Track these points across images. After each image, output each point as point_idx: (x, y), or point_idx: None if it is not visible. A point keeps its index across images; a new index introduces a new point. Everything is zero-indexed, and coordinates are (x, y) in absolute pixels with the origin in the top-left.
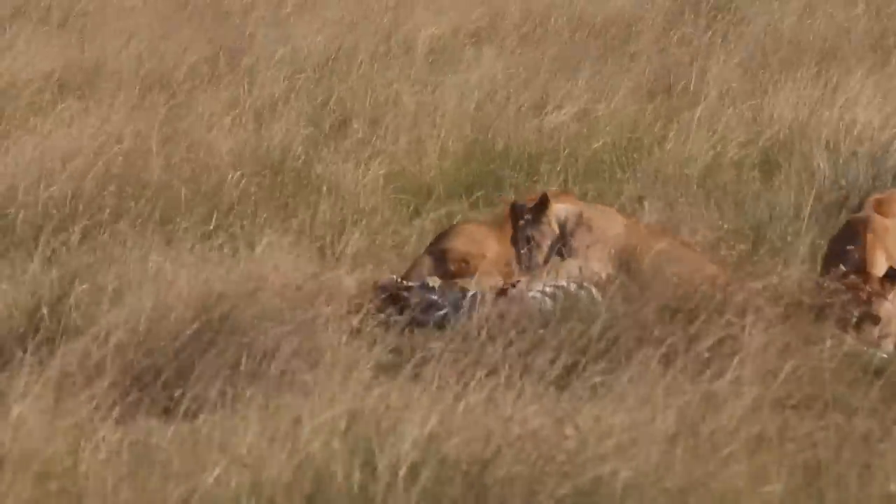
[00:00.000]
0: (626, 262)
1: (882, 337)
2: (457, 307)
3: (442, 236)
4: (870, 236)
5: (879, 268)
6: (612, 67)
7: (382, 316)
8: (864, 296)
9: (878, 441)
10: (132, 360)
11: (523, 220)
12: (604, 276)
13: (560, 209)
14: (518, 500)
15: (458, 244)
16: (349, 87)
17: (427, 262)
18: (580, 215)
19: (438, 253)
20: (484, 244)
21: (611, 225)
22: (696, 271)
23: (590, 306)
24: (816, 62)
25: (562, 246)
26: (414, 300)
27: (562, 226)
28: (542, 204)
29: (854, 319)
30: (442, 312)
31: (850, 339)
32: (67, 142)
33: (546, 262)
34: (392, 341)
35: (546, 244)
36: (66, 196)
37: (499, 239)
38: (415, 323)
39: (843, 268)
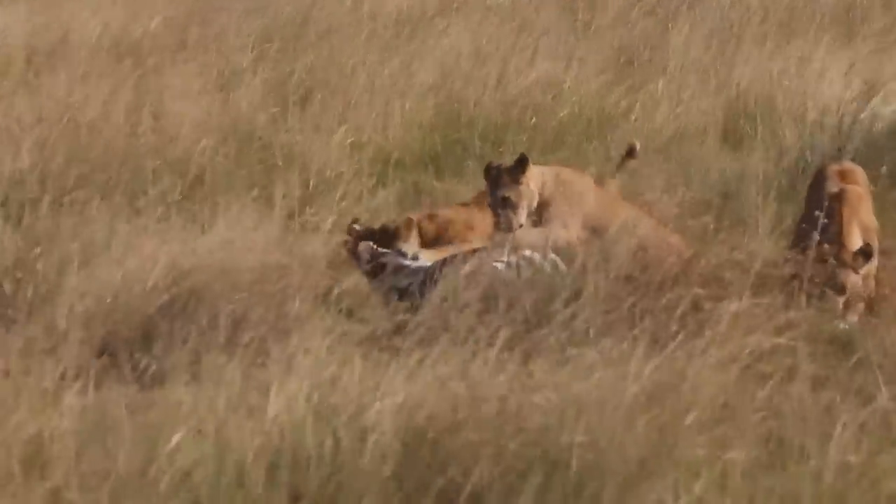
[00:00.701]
0: (595, 230)
1: (846, 308)
2: (425, 276)
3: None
4: (846, 210)
5: (854, 241)
6: (578, 38)
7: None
8: (832, 267)
9: (840, 412)
10: (99, 328)
11: (501, 185)
12: (578, 240)
13: (538, 170)
14: (483, 468)
15: (446, 212)
16: (316, 58)
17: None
18: (557, 177)
19: (424, 218)
20: (471, 215)
21: (585, 189)
22: (659, 241)
23: (554, 276)
24: (783, 33)
25: (539, 208)
26: (389, 267)
27: (540, 187)
28: (521, 164)
29: (820, 289)
30: (410, 281)
31: (814, 309)
32: (33, 110)
33: (522, 224)
34: (360, 312)
35: (523, 206)
36: (32, 165)
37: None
38: (387, 291)
39: (816, 237)
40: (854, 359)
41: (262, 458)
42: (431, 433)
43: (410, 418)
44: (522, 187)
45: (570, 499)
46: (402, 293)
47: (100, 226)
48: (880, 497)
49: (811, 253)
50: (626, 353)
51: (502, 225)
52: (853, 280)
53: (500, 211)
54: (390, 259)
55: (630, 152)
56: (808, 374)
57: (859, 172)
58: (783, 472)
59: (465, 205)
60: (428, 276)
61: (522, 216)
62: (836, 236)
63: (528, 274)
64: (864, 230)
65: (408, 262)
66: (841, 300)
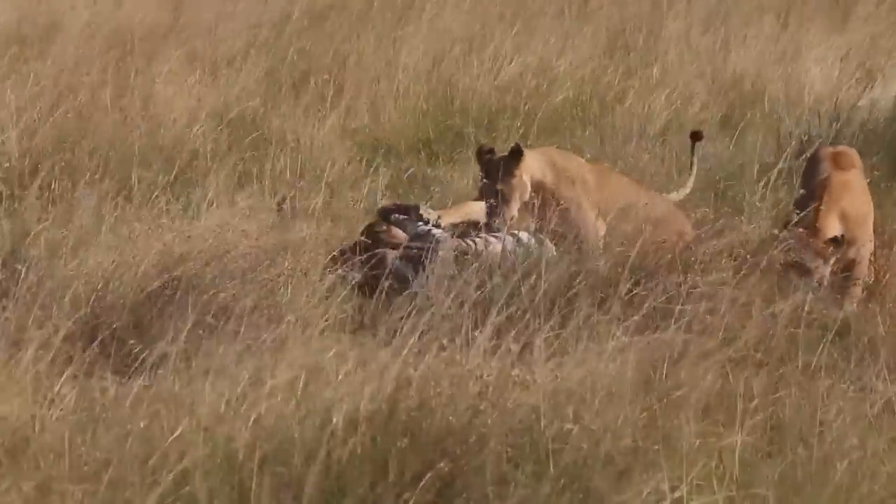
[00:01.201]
0: (598, 209)
1: (843, 295)
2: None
3: None
4: (826, 197)
5: (829, 230)
6: (571, 22)
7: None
8: (802, 252)
9: (837, 399)
10: (90, 316)
11: (494, 175)
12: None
13: (531, 158)
14: (473, 456)
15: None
16: (308, 43)
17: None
18: (553, 163)
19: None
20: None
21: (583, 170)
22: (666, 214)
23: (547, 260)
24: (778, 18)
25: (541, 193)
26: (409, 229)
27: (539, 174)
28: (515, 156)
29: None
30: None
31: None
32: (22, 97)
33: (514, 216)
34: (352, 298)
35: (516, 198)
36: (22, 152)
37: None
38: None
39: (795, 219)
40: (851, 346)
41: (254, 447)
42: (421, 420)
43: (399, 405)
44: (516, 180)
45: (562, 487)
46: (412, 260)
47: (90, 212)
48: (878, 484)
49: (786, 236)
50: (621, 340)
51: (495, 216)
52: (822, 268)
53: (492, 202)
54: (410, 225)
55: (696, 135)
56: (804, 360)
57: (853, 156)
58: (780, 459)
59: None
60: (432, 250)
61: (514, 209)
62: (811, 223)
63: (518, 254)
64: (846, 218)
65: (428, 228)
66: (802, 283)
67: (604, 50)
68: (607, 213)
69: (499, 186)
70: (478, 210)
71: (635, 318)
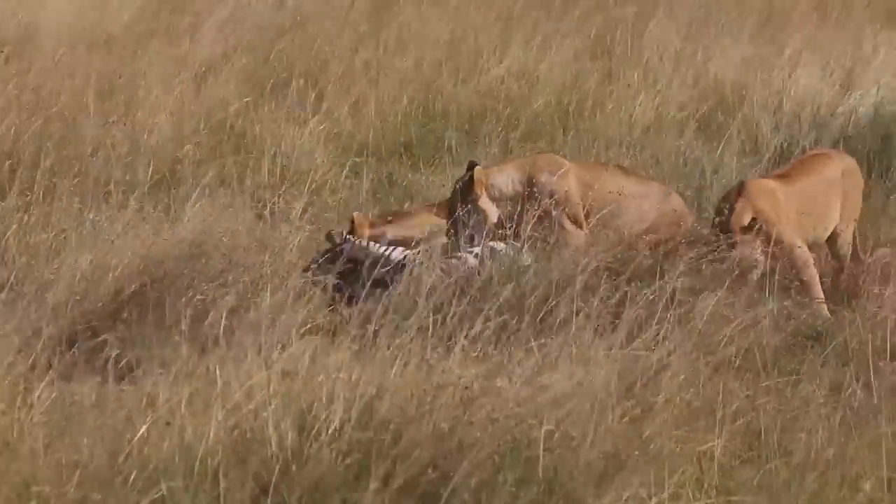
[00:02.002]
0: (589, 209)
1: (816, 301)
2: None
3: None
4: (741, 201)
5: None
6: (553, 27)
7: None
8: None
9: (818, 405)
10: (69, 319)
11: (456, 200)
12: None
13: (505, 174)
14: (451, 461)
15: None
16: (290, 46)
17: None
18: (536, 176)
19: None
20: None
21: (568, 176)
22: (663, 205)
23: (523, 267)
24: (760, 23)
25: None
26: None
27: (517, 186)
28: (469, 182)
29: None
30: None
31: (791, 302)
32: (4, 99)
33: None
34: (329, 302)
35: (478, 224)
36: (2, 154)
37: None
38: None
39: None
40: (828, 351)
41: (230, 449)
42: (399, 423)
43: (377, 408)
44: (475, 203)
45: (543, 492)
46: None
47: (70, 214)
48: (856, 489)
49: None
50: (601, 345)
51: (463, 237)
52: (744, 252)
53: (452, 226)
54: (371, 250)
55: None
56: (783, 367)
57: (818, 160)
58: (759, 465)
59: (429, 206)
60: (399, 267)
61: (477, 229)
62: (727, 221)
63: (492, 263)
64: (763, 217)
65: (385, 251)
66: (747, 272)
67: (586, 53)
68: (597, 209)
69: (471, 219)
70: (427, 221)
71: (616, 323)
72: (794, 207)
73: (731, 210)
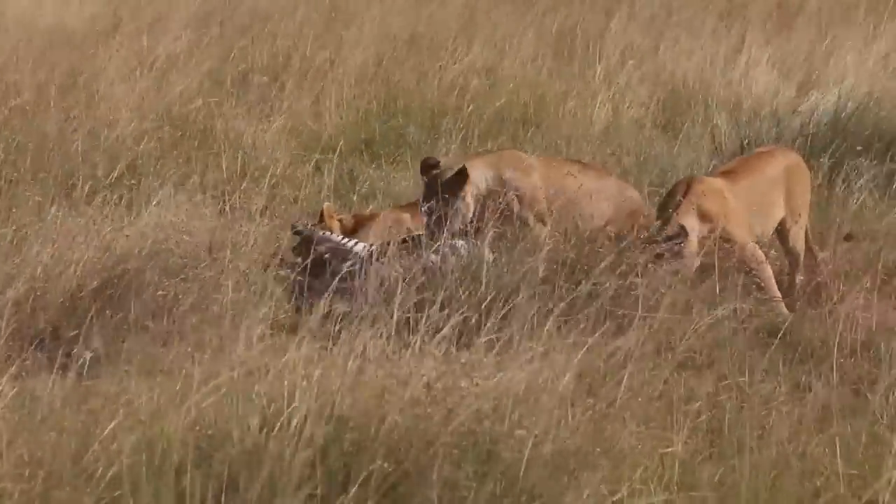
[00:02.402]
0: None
1: (775, 298)
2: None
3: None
4: (687, 200)
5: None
6: (514, 25)
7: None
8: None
9: (778, 403)
10: (30, 315)
11: (437, 195)
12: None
13: (479, 172)
14: (412, 459)
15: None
16: (251, 43)
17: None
18: (501, 173)
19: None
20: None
21: (533, 174)
22: (620, 197)
23: (483, 264)
24: (720, 21)
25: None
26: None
27: (484, 195)
28: (460, 178)
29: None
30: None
31: (752, 299)
32: None
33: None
34: (289, 298)
35: (457, 220)
36: None
37: None
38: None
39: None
40: (791, 349)
41: (193, 446)
42: (359, 419)
43: (339, 405)
44: (460, 201)
45: (505, 490)
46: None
47: (31, 209)
48: (816, 487)
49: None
50: (562, 342)
51: (436, 233)
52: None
53: (430, 223)
54: (336, 241)
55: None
56: (745, 364)
57: (762, 160)
58: (720, 462)
59: (400, 207)
60: (363, 263)
61: (456, 227)
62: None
63: (454, 261)
64: (707, 216)
65: (346, 243)
66: (676, 264)
67: (548, 50)
68: (558, 205)
69: (443, 209)
70: (395, 220)
71: (576, 317)
72: (742, 205)
73: (677, 207)
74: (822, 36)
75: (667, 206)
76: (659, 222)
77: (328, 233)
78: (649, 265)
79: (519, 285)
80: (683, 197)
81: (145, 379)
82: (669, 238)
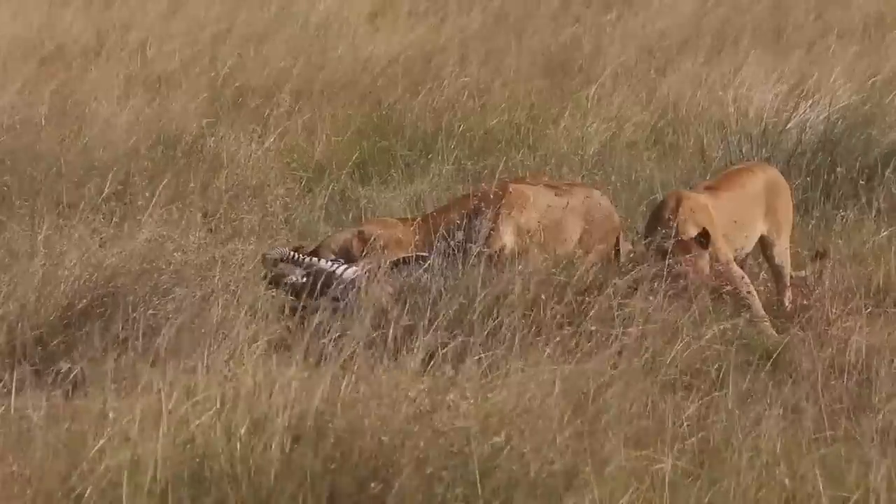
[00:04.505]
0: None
1: (760, 318)
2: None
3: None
4: (680, 211)
5: (689, 233)
6: (507, 45)
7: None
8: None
9: (769, 425)
10: (19, 332)
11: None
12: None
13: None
14: (404, 477)
15: (370, 227)
16: (242, 63)
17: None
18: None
19: (350, 233)
20: (396, 230)
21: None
22: (595, 207)
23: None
24: (713, 43)
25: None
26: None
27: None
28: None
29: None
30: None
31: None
32: None
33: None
34: (280, 318)
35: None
36: None
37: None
38: (307, 297)
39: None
40: (781, 369)
41: (181, 464)
42: (352, 440)
43: (325, 422)
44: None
45: None
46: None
47: (22, 228)
48: None
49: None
50: (550, 360)
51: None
52: (702, 266)
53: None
54: (322, 267)
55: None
56: (735, 385)
57: (733, 177)
58: (710, 483)
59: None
60: (353, 284)
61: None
62: (673, 231)
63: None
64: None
65: (337, 269)
66: (681, 282)
67: (540, 71)
68: (532, 231)
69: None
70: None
71: (562, 339)
72: (724, 222)
73: (674, 219)
74: (814, 56)
75: (657, 221)
76: (649, 239)
77: (314, 259)
78: (660, 276)
79: (504, 303)
80: (675, 211)
81: (133, 397)
82: (696, 240)
